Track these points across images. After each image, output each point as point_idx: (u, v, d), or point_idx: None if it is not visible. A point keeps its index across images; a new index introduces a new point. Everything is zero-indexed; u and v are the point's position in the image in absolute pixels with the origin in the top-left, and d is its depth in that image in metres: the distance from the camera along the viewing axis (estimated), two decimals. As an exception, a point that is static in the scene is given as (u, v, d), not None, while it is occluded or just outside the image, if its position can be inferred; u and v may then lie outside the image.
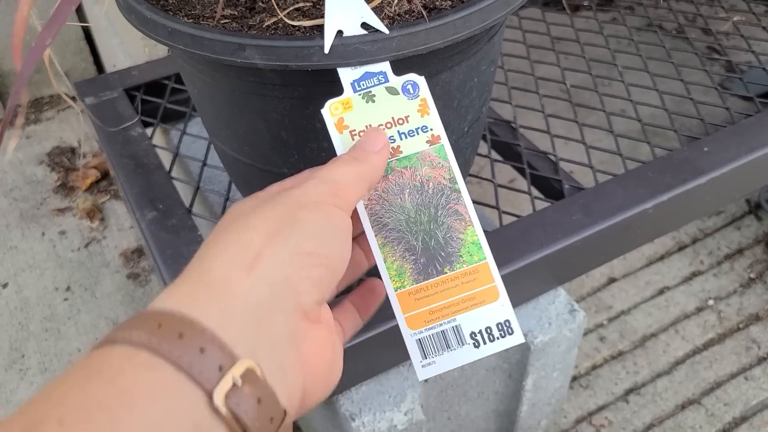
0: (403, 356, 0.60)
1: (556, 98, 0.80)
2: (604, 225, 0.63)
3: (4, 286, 1.08)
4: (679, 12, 0.97)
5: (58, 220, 1.21)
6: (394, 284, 0.37)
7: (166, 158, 0.73)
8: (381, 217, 0.37)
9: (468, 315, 0.37)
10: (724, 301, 0.99)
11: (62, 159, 1.35)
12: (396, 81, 0.39)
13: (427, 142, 0.38)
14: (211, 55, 0.41)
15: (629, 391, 0.88)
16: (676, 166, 0.68)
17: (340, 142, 0.38)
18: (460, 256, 0.37)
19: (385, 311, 0.55)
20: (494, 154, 0.74)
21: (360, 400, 0.58)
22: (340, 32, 0.38)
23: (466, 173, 0.63)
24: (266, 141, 0.49)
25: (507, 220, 0.64)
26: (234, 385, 0.25)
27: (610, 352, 0.93)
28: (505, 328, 0.37)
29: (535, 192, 0.69)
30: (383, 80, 0.39)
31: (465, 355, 0.37)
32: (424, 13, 0.41)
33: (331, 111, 0.39)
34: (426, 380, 0.60)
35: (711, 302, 0.99)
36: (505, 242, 0.61)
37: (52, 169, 1.33)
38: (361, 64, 0.39)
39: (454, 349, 0.37)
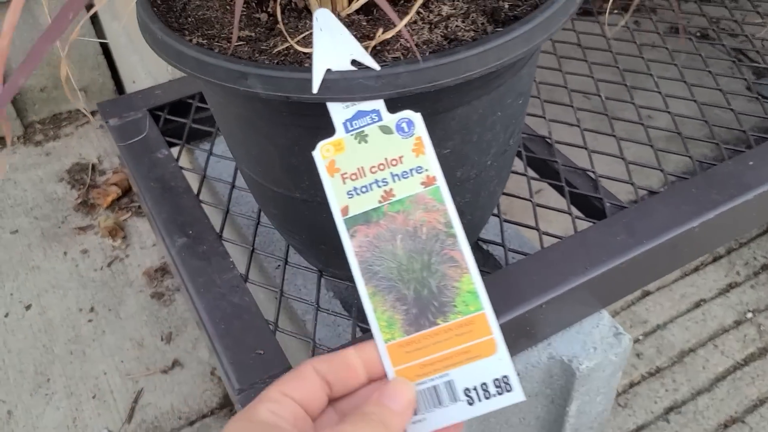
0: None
1: (590, 111, 0.78)
2: (650, 246, 0.60)
3: (28, 307, 1.07)
4: (705, 16, 0.94)
5: (80, 238, 1.20)
6: (384, 336, 0.35)
7: (191, 180, 0.71)
8: (371, 265, 0.35)
9: (462, 369, 0.34)
10: (764, 314, 0.96)
11: (82, 176, 1.34)
12: (390, 119, 0.36)
13: (422, 183, 0.36)
14: (215, 81, 0.40)
15: (669, 410, 0.86)
16: (721, 182, 0.66)
17: (331, 186, 0.36)
18: (455, 306, 0.35)
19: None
20: (530, 172, 0.72)
21: None
22: (329, 70, 0.36)
23: (492, 206, 0.61)
24: (277, 165, 0.48)
25: (547, 241, 0.62)
26: None
27: (648, 368, 0.90)
28: (502, 384, 0.34)
29: (574, 211, 0.67)
30: (376, 119, 0.36)
31: (458, 412, 0.35)
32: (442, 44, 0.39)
33: (322, 153, 0.37)
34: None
35: (750, 315, 0.96)
36: (547, 265, 0.59)
37: (72, 187, 1.32)
38: (364, 99, 0.36)
39: (447, 406, 0.35)
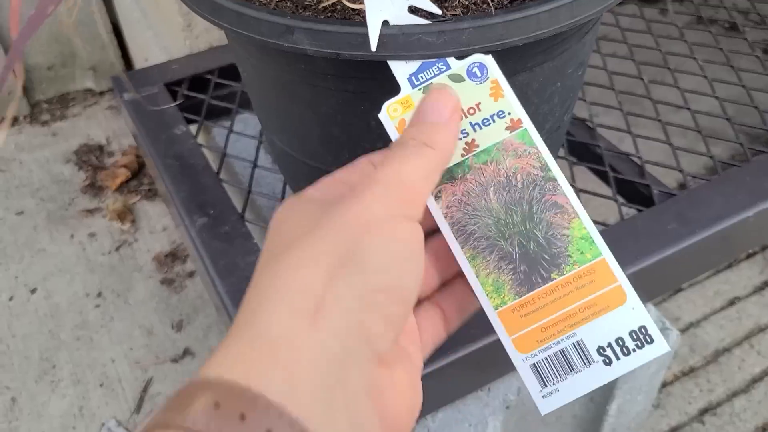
0: (483, 380, 0.55)
1: (632, 94, 0.74)
2: (703, 235, 0.56)
3: (33, 291, 1.04)
4: (733, 9, 0.90)
5: (88, 221, 1.16)
6: (493, 302, 0.31)
7: (211, 158, 0.67)
8: (465, 225, 0.31)
9: (591, 326, 0.30)
10: (800, 313, 0.92)
11: (90, 157, 1.30)
12: (459, 66, 0.32)
13: (507, 128, 0.32)
14: (257, 37, 0.36)
15: (704, 411, 0.82)
16: (776, 170, 0.62)
17: None
18: (569, 255, 0.31)
19: (467, 332, 0.49)
20: (572, 157, 0.68)
21: (438, 429, 0.52)
22: (385, 22, 0.32)
23: None
24: (316, 136, 0.44)
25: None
26: None
27: (681, 368, 0.87)
28: (640, 336, 0.30)
29: (619, 198, 0.63)
30: (444, 68, 0.33)
31: (595, 376, 0.30)
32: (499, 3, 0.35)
33: (389, 113, 0.33)
34: (508, 407, 0.54)
35: (786, 314, 0.92)
36: (594, 254, 0.55)
37: (79, 168, 1.28)
38: (423, 58, 0.33)
39: (580, 371, 0.30)
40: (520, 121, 0.32)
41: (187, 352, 0.94)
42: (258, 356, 0.23)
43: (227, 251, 0.57)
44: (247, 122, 0.77)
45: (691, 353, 0.88)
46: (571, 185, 0.62)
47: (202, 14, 0.38)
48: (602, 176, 0.65)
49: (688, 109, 0.70)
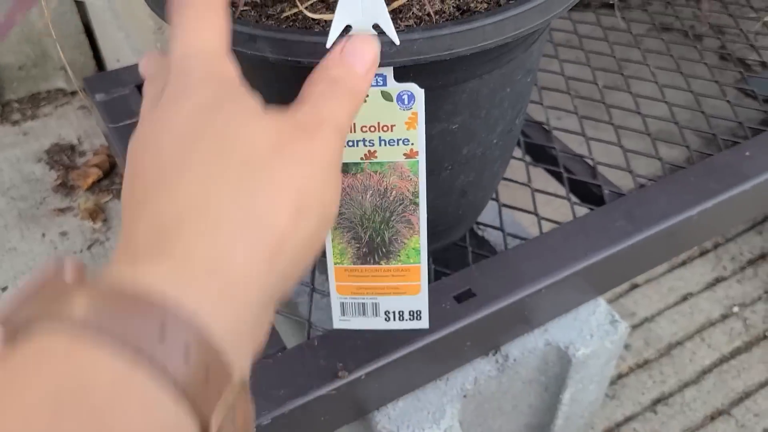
0: (441, 370, 0.57)
1: (587, 98, 0.77)
2: (649, 232, 0.60)
3: (4, 289, 1.04)
4: (698, 11, 0.94)
5: (59, 220, 1.17)
6: (335, 259, 0.41)
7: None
8: (339, 207, 0.39)
9: (388, 299, 0.42)
10: (749, 308, 0.96)
11: (62, 157, 1.30)
12: (393, 87, 0.37)
13: (405, 154, 0.38)
14: None
15: (657, 401, 0.86)
16: (718, 171, 0.65)
17: None
18: (398, 256, 0.41)
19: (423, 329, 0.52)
20: (528, 158, 0.71)
21: (397, 417, 0.55)
22: (348, 28, 0.34)
23: (493, 187, 0.60)
24: None
25: (545, 226, 0.62)
26: None
27: (636, 360, 0.90)
28: (415, 315, 0.43)
29: (573, 197, 0.66)
30: (381, 83, 0.36)
31: (375, 324, 0.43)
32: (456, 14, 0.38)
33: None
34: (465, 395, 0.57)
35: (736, 309, 0.96)
36: (546, 250, 0.58)
37: (51, 167, 1.28)
38: (378, 65, 0.35)
39: (368, 317, 0.43)
40: (416, 153, 0.38)
41: (158, 348, 0.95)
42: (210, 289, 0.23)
43: (196, 248, 0.59)
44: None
45: (646, 346, 0.92)
46: (527, 185, 0.66)
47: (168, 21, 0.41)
48: (557, 177, 0.69)
49: (639, 113, 0.74)
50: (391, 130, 0.37)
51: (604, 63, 0.82)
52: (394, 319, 0.43)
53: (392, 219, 0.40)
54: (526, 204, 0.64)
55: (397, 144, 0.38)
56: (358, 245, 0.41)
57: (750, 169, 0.66)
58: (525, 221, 0.68)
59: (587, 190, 0.67)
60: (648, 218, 0.61)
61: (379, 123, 0.37)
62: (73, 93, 1.47)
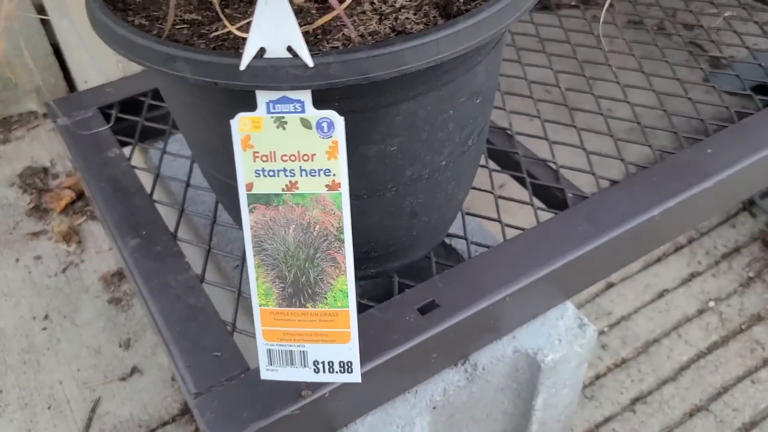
0: (409, 383, 0.57)
1: (550, 102, 0.78)
2: (612, 235, 0.60)
3: (-22, 317, 1.03)
4: (662, 7, 0.95)
5: (33, 244, 1.16)
6: (260, 300, 0.40)
7: (146, 180, 0.69)
8: (263, 242, 0.38)
9: (317, 347, 0.41)
10: (725, 302, 0.97)
11: (34, 180, 1.30)
12: (312, 114, 0.36)
13: (327, 186, 0.37)
14: (145, 63, 0.38)
15: (635, 400, 0.86)
16: (680, 170, 0.66)
17: (241, 159, 0.37)
18: (325, 298, 0.39)
19: (390, 338, 0.52)
20: (491, 164, 0.71)
21: (366, 432, 0.55)
22: (263, 50, 0.34)
23: (454, 208, 0.58)
24: (222, 154, 0.46)
25: (509, 233, 0.61)
26: None
27: (613, 360, 0.90)
28: (346, 367, 0.41)
29: (536, 202, 0.66)
30: (299, 109, 0.36)
31: (304, 375, 0.42)
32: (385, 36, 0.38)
33: (240, 125, 0.36)
34: (434, 407, 0.57)
35: (711, 304, 0.97)
36: (510, 257, 0.58)
37: (24, 191, 1.27)
38: (292, 89, 0.35)
39: (297, 368, 0.41)
40: (339, 185, 0.37)
41: (135, 369, 0.95)
42: None
43: (159, 271, 0.58)
44: (183, 142, 0.78)
45: (623, 345, 0.92)
46: (490, 192, 0.65)
47: (104, 40, 0.41)
48: (521, 182, 0.69)
49: (602, 115, 0.74)
50: (312, 160, 0.36)
51: (566, 65, 0.82)
52: (324, 371, 0.41)
53: (317, 256, 0.38)
54: (493, 211, 0.64)
55: (319, 174, 0.37)
56: (282, 285, 0.39)
57: (712, 166, 0.66)
58: (492, 228, 0.68)
59: (551, 195, 0.67)
60: (611, 220, 0.61)
61: (299, 152, 0.36)
62: (45, 115, 1.46)
